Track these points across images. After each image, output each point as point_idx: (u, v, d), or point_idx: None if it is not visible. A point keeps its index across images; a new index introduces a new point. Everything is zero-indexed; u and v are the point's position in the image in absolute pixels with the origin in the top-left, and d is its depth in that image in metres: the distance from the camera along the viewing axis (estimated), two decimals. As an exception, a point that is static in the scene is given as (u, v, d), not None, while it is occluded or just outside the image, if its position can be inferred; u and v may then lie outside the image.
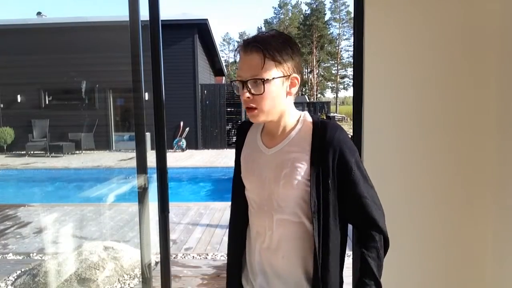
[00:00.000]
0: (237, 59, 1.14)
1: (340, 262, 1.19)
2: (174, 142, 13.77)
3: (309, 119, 1.19)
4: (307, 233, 1.14)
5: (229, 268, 1.32)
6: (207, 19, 14.58)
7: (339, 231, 1.15)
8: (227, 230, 1.37)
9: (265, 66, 1.08)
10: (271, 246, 1.17)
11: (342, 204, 1.14)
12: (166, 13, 19.75)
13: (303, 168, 1.11)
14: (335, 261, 1.15)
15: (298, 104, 20.36)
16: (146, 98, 2.09)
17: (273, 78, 1.09)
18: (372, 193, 1.16)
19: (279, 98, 1.12)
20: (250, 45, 1.09)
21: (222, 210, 5.86)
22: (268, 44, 1.08)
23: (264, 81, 1.08)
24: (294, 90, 1.15)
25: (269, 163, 1.16)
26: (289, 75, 1.12)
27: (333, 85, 54.67)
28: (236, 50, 1.14)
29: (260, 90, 1.08)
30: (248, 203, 1.24)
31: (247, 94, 1.10)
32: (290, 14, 54.69)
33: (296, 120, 1.18)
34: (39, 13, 15.48)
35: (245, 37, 1.16)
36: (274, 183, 1.14)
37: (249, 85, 1.09)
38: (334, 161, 1.11)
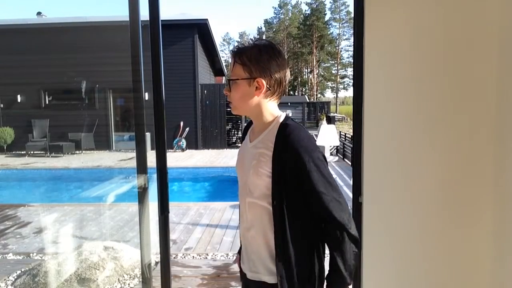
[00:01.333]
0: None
1: (309, 248, 1.31)
2: (174, 142, 13.78)
3: (281, 120, 1.34)
4: (270, 216, 1.29)
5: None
6: (207, 19, 14.58)
7: (299, 220, 1.28)
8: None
9: (234, 69, 1.31)
10: (246, 225, 1.37)
11: (304, 199, 1.27)
12: (166, 13, 19.75)
13: (266, 163, 1.28)
14: (297, 245, 1.27)
15: (298, 104, 20.41)
16: (146, 98, 2.09)
17: (238, 79, 1.30)
18: (331, 190, 1.24)
19: (247, 97, 1.31)
20: (232, 51, 1.33)
21: (222, 210, 5.86)
22: (243, 52, 1.29)
23: (231, 81, 1.31)
24: (259, 92, 1.30)
25: (248, 154, 1.37)
26: (254, 78, 1.28)
27: (333, 85, 54.67)
28: None
29: (233, 88, 1.32)
30: None
31: (225, 91, 1.36)
32: (290, 14, 54.70)
33: (272, 121, 1.34)
34: (39, 13, 15.49)
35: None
36: (247, 171, 1.34)
37: (228, 84, 1.34)
38: (291, 160, 1.23)
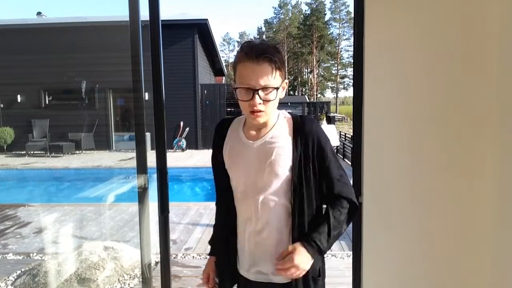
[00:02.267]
0: (240, 67, 1.24)
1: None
2: (174, 142, 13.78)
3: (288, 115, 1.36)
4: (287, 214, 1.30)
5: (222, 256, 1.44)
6: (207, 19, 14.58)
7: (314, 210, 1.32)
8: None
9: (276, 76, 1.23)
10: (257, 228, 1.31)
11: (319, 184, 1.31)
12: (166, 13, 19.73)
13: (286, 155, 1.28)
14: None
15: (298, 104, 20.41)
16: (146, 98, 2.09)
17: (280, 85, 1.26)
18: (342, 173, 1.33)
19: (277, 101, 1.29)
20: (261, 56, 1.19)
21: (222, 210, 5.85)
22: (275, 54, 1.22)
23: (277, 89, 1.25)
24: (284, 93, 1.32)
25: (255, 154, 1.31)
26: (284, 81, 1.29)
27: (333, 85, 54.67)
28: (237, 56, 1.26)
29: (272, 96, 1.24)
30: (233, 193, 1.37)
31: (259, 101, 1.22)
32: (290, 14, 54.70)
33: (277, 117, 1.34)
34: (39, 13, 15.49)
35: (245, 43, 1.26)
36: (260, 171, 1.29)
37: (260, 93, 1.22)
38: (313, 148, 1.28)
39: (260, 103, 1.22)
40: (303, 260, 1.23)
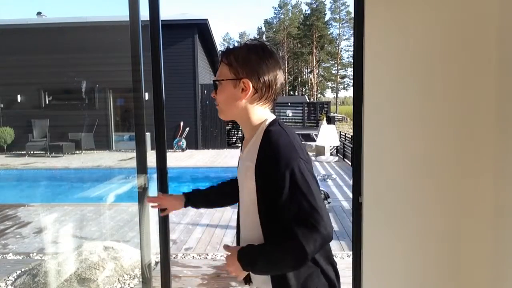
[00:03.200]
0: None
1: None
2: (174, 142, 13.77)
3: (266, 124, 1.22)
4: (258, 232, 1.22)
5: None
6: (207, 19, 14.58)
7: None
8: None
9: (220, 69, 1.25)
10: (241, 234, 1.33)
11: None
12: (166, 13, 19.75)
13: (251, 177, 1.18)
14: None
15: (298, 104, 20.41)
16: (146, 98, 2.09)
17: (223, 80, 1.23)
18: (304, 206, 1.08)
19: (232, 99, 1.22)
20: (220, 52, 1.25)
21: (222, 210, 5.85)
22: (231, 52, 1.23)
23: (217, 82, 1.24)
24: (245, 95, 1.21)
25: (240, 167, 1.31)
26: (240, 79, 1.20)
27: (333, 85, 54.67)
28: None
29: (218, 89, 1.25)
30: None
31: (212, 94, 1.27)
32: (290, 14, 54.69)
33: (258, 127, 1.23)
34: (39, 13, 15.48)
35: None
36: (241, 185, 1.29)
37: (215, 86, 1.26)
38: (269, 170, 1.13)
39: (213, 96, 1.27)
40: (231, 262, 1.20)
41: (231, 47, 1.26)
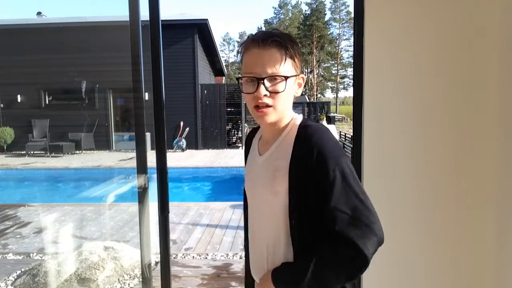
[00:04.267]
0: (245, 55, 1.07)
1: None
2: (174, 142, 13.77)
3: (298, 122, 1.11)
4: (286, 240, 1.07)
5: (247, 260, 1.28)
6: (207, 19, 14.58)
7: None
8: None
9: (286, 63, 1.03)
10: (258, 247, 1.14)
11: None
12: (166, 13, 19.75)
13: (282, 178, 1.04)
14: None
15: (298, 104, 20.40)
16: (146, 98, 2.09)
17: (291, 76, 1.05)
18: (359, 208, 0.97)
19: (290, 98, 1.09)
20: (269, 39, 1.01)
21: (222, 210, 5.86)
22: (287, 40, 1.04)
23: (286, 79, 1.03)
24: (300, 90, 1.12)
25: (259, 171, 1.13)
26: (299, 75, 1.09)
27: (333, 85, 54.64)
28: (243, 45, 1.08)
29: (281, 87, 1.03)
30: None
31: (265, 92, 1.02)
32: (290, 14, 54.67)
33: (287, 124, 1.11)
34: (39, 13, 15.47)
35: (247, 36, 1.10)
36: (263, 190, 1.11)
37: (266, 82, 1.02)
38: (312, 167, 0.99)
39: (266, 95, 1.02)
40: None
41: (277, 33, 1.05)
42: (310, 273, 0.96)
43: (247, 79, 1.06)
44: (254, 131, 1.27)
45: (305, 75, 1.17)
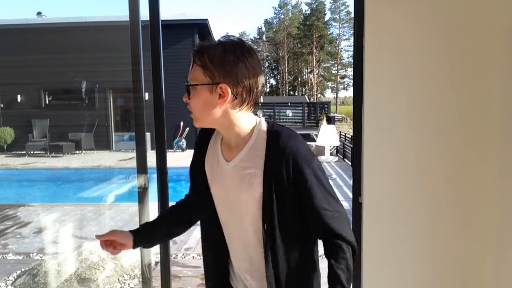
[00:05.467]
0: None
1: (308, 283, 1.19)
2: (174, 142, 13.77)
3: (264, 127, 1.13)
4: (259, 244, 1.15)
5: (213, 269, 1.33)
6: (207, 19, 14.58)
7: (297, 250, 1.14)
8: None
9: (193, 72, 1.08)
10: (237, 250, 1.21)
11: (304, 217, 1.12)
12: (166, 13, 19.74)
13: (258, 185, 1.09)
14: (293, 281, 1.15)
15: (298, 104, 20.42)
16: (146, 98, 2.09)
17: (198, 85, 1.07)
18: (334, 203, 1.11)
19: (210, 106, 1.07)
20: (194, 51, 1.08)
21: (222, 210, 5.85)
22: (205, 51, 1.06)
23: (190, 86, 1.08)
24: (224, 101, 1.06)
25: (229, 176, 1.15)
26: (217, 84, 1.05)
27: (333, 85, 54.65)
28: None
29: (191, 94, 1.09)
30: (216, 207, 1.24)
31: (184, 98, 1.11)
32: (290, 14, 54.67)
33: (251, 131, 1.12)
34: (39, 13, 15.48)
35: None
36: (237, 194, 1.14)
37: (187, 91, 1.11)
38: (288, 174, 1.07)
39: (186, 101, 1.11)
40: None
41: (203, 44, 1.08)
42: (346, 283, 1.08)
43: None
44: (205, 131, 1.27)
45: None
